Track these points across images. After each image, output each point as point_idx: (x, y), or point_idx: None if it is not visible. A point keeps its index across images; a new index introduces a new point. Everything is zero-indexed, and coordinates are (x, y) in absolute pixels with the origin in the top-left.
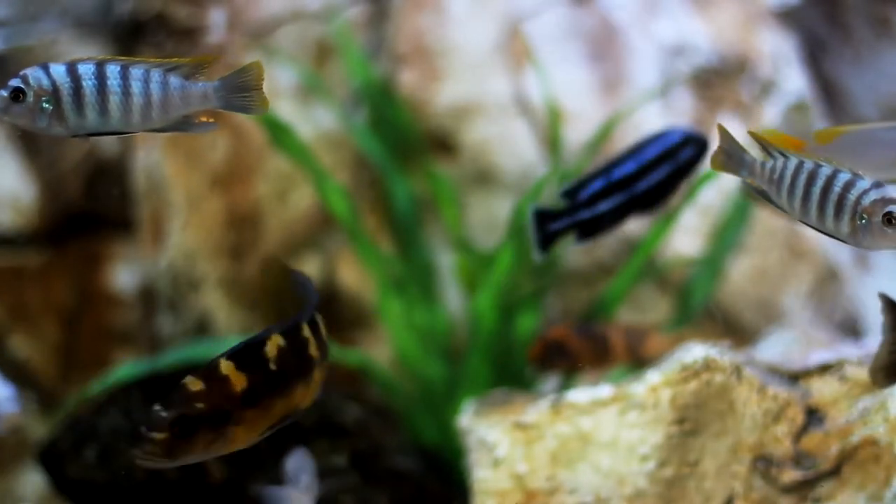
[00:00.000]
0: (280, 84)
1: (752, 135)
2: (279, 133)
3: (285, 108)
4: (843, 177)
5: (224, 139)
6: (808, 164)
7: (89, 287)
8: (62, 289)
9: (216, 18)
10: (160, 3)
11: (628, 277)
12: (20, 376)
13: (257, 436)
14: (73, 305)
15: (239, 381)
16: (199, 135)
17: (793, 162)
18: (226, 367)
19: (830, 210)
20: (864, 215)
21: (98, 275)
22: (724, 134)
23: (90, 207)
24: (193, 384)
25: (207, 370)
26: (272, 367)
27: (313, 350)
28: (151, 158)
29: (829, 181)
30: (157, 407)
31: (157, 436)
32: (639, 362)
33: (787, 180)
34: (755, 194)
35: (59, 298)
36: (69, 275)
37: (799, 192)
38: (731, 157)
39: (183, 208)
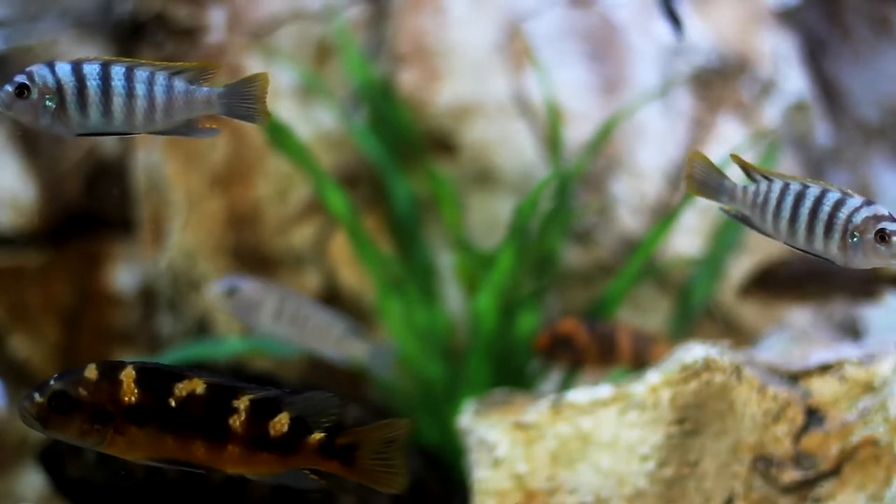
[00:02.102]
0: (280, 84)
1: (735, 159)
2: (278, 134)
3: (285, 108)
4: (833, 196)
5: (224, 139)
6: (795, 186)
7: (89, 287)
8: (62, 289)
9: (216, 18)
10: (160, 3)
11: (628, 277)
12: (20, 376)
13: (142, 457)
14: (73, 305)
15: (129, 393)
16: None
17: (778, 184)
18: (126, 374)
19: (820, 230)
20: (856, 233)
21: (98, 275)
22: (697, 162)
23: (90, 207)
24: (90, 371)
25: (110, 367)
26: (172, 403)
27: (236, 424)
28: (151, 158)
29: (819, 201)
30: (55, 375)
31: (37, 398)
32: (642, 367)
33: (773, 203)
34: (733, 219)
35: (59, 298)
36: (69, 275)
37: (786, 214)
38: (708, 184)
39: (183, 208)
